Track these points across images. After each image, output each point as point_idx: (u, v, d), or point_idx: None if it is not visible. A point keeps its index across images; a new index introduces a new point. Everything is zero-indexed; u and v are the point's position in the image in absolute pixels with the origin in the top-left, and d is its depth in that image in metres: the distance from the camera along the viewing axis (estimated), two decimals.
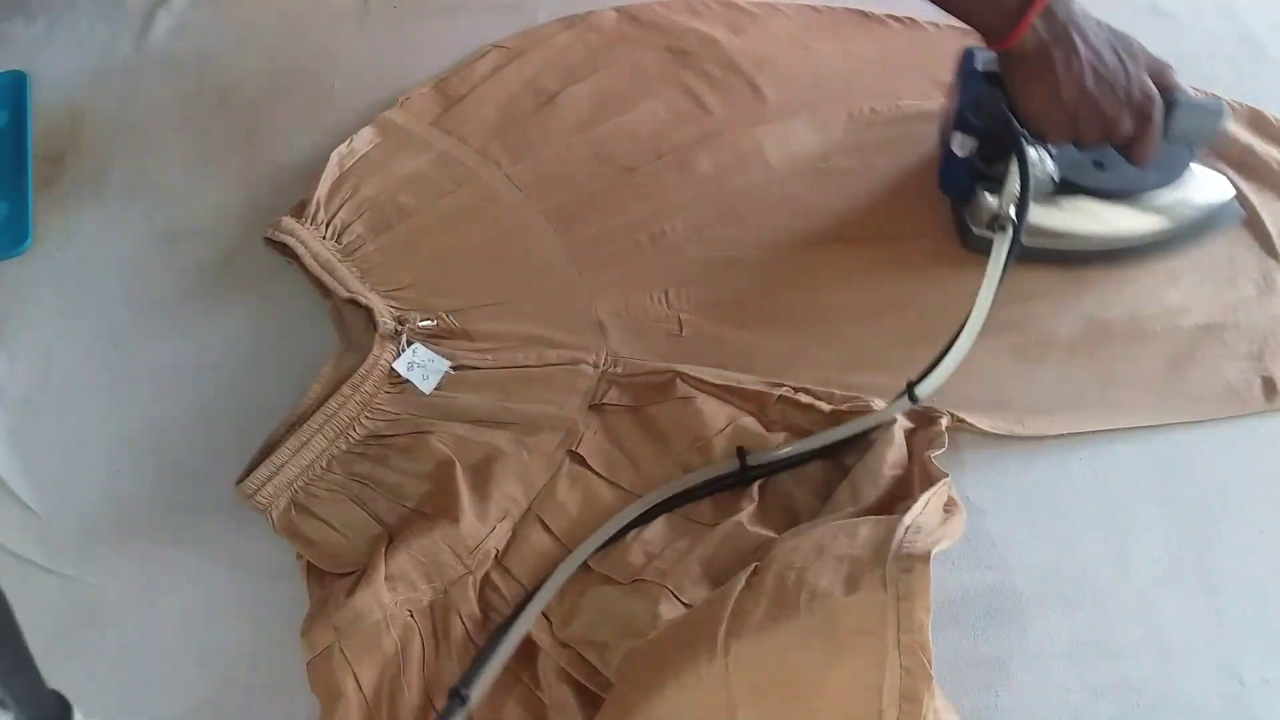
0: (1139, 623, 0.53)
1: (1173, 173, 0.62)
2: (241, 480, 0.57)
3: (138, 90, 0.80)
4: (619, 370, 0.60)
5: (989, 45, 0.56)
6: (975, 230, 0.63)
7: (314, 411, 0.59)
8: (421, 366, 0.61)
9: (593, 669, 0.51)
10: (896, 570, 0.41)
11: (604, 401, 0.59)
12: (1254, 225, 0.65)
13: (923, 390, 0.53)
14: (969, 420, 0.57)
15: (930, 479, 0.52)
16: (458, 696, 0.49)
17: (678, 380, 0.59)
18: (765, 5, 0.79)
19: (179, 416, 0.64)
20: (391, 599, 0.52)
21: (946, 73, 0.73)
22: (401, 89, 0.76)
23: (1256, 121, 0.70)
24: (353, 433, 0.59)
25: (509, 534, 0.55)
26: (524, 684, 0.51)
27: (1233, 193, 0.63)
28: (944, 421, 0.57)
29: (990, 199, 0.61)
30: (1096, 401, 0.59)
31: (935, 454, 0.54)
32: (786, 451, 0.56)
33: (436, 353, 0.62)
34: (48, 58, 0.83)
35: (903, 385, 0.55)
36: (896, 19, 0.77)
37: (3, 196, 0.74)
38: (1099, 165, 0.61)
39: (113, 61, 0.82)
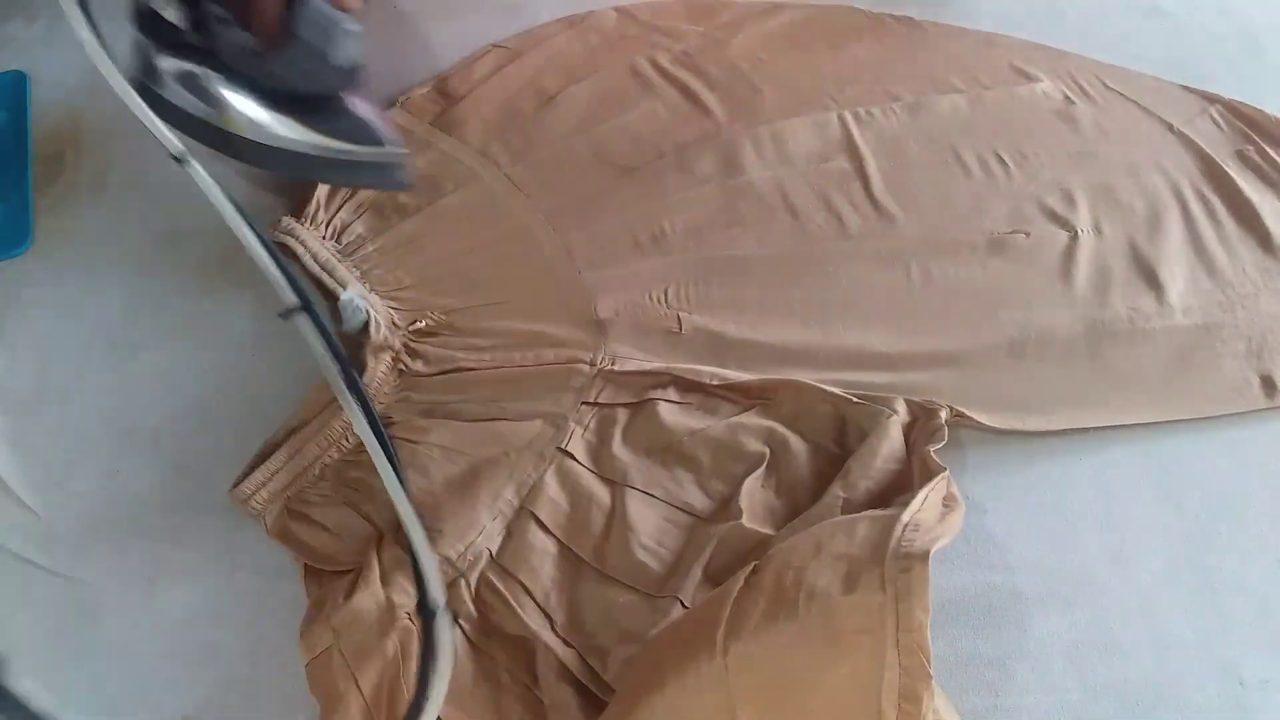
0: (1139, 622, 0.53)
1: (318, 85, 0.59)
2: (236, 486, 0.58)
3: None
4: (616, 369, 0.60)
5: None
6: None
7: (312, 418, 0.59)
8: (353, 303, 0.62)
9: (593, 670, 0.51)
10: (895, 569, 0.41)
11: (598, 400, 0.60)
12: (1252, 224, 0.65)
13: None
14: (969, 414, 0.57)
15: (929, 473, 0.52)
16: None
17: (676, 380, 0.59)
18: (766, 4, 0.79)
19: (179, 416, 0.64)
20: (389, 600, 0.52)
21: (947, 72, 0.73)
22: (401, 89, 0.76)
23: (1256, 120, 0.69)
24: (345, 441, 0.59)
25: (503, 532, 0.56)
26: (524, 684, 0.51)
27: (398, 156, 0.61)
28: (944, 415, 0.57)
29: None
30: (1096, 401, 0.59)
31: (935, 448, 0.54)
32: None
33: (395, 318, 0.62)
34: (48, 58, 0.83)
35: (902, 384, 0.54)
36: (896, 18, 0.77)
37: (3, 197, 0.74)
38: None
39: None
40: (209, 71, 0.59)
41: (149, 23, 0.58)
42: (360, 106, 0.61)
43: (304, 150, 0.60)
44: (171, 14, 0.57)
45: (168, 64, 0.58)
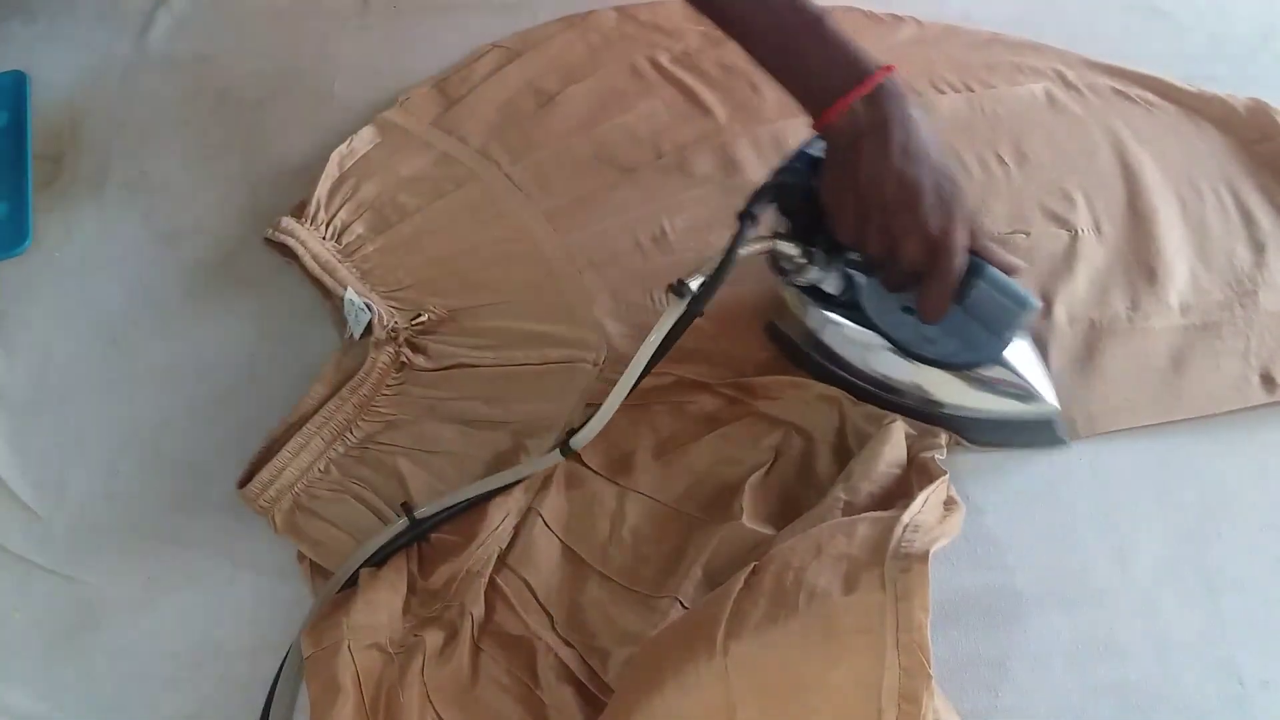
0: (1139, 622, 0.53)
1: (977, 355, 0.55)
2: (244, 484, 0.58)
3: (137, 90, 0.80)
4: (618, 369, 0.60)
5: (811, 119, 0.52)
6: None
7: (314, 413, 0.59)
8: (354, 304, 0.62)
9: (593, 670, 0.51)
10: (895, 570, 0.41)
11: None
12: (1249, 223, 0.65)
13: (577, 442, 0.52)
14: (965, 441, 0.57)
15: (929, 476, 0.52)
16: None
17: (676, 380, 0.59)
18: None
19: (179, 416, 0.64)
20: (405, 607, 0.53)
21: (947, 71, 0.73)
22: (401, 89, 0.76)
23: (1255, 112, 0.69)
24: (350, 435, 0.59)
25: (511, 532, 0.56)
26: (525, 683, 0.51)
27: (1053, 413, 0.57)
28: (944, 437, 0.56)
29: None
30: (1096, 401, 0.59)
31: (936, 456, 0.54)
32: (451, 500, 0.55)
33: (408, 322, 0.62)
34: (48, 58, 0.83)
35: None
36: (898, 18, 0.77)
37: (3, 196, 0.75)
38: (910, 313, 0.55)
39: (112, 61, 0.82)
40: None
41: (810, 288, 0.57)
42: (1015, 369, 0.56)
43: (939, 411, 0.57)
44: (831, 285, 0.56)
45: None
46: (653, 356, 0.51)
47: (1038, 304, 0.53)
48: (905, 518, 0.45)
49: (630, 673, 0.49)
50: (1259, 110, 0.69)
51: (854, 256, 0.55)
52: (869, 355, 0.57)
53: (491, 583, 0.54)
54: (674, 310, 0.50)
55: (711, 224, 0.67)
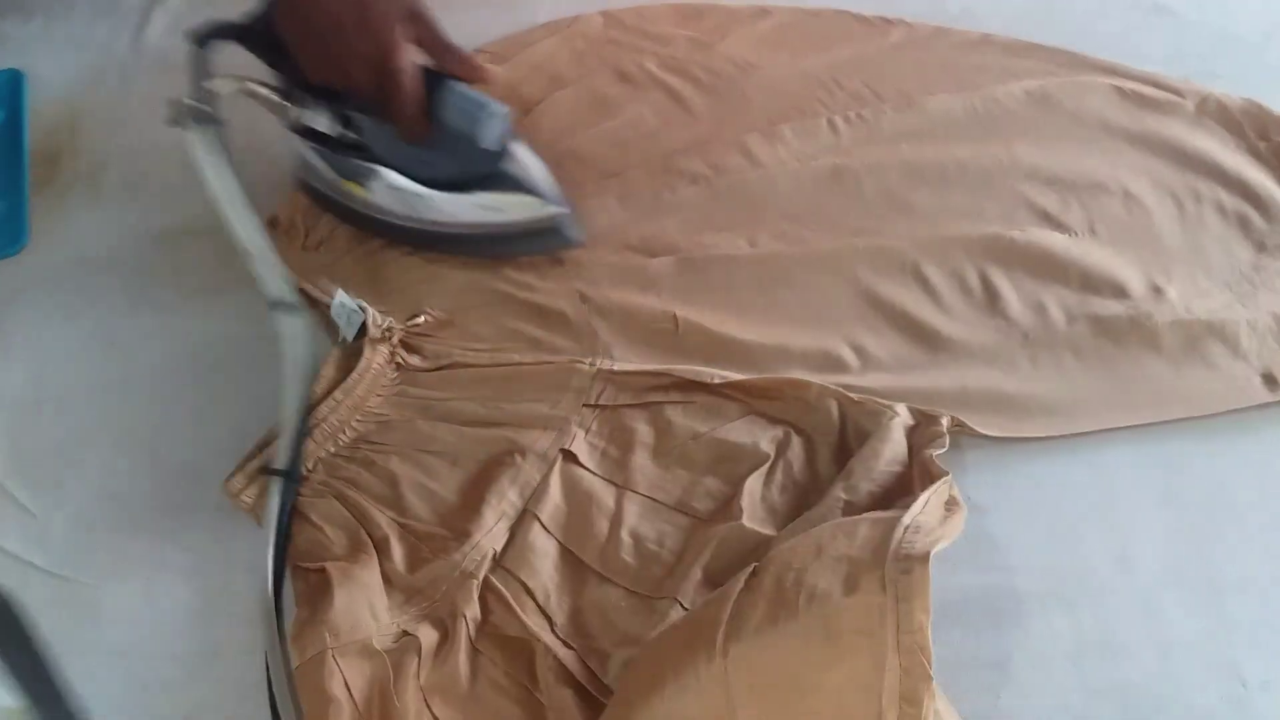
0: (1140, 623, 0.53)
1: (473, 168, 0.59)
2: (230, 479, 0.57)
3: (135, 89, 0.80)
4: (614, 369, 0.60)
5: None
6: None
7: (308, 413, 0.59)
8: (345, 307, 0.62)
9: (593, 672, 0.51)
10: (895, 571, 0.41)
11: (599, 401, 0.59)
12: (1248, 223, 0.65)
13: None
14: (968, 424, 0.57)
15: (931, 477, 0.52)
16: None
17: (675, 380, 0.59)
18: (754, 8, 0.78)
19: (177, 416, 0.64)
20: (385, 604, 0.52)
21: (938, 73, 0.73)
22: None
23: (1251, 112, 0.69)
24: (343, 436, 0.59)
25: (506, 534, 0.55)
26: (523, 685, 0.51)
27: (561, 215, 0.62)
28: (945, 421, 0.57)
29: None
30: (1096, 401, 0.59)
31: (936, 452, 0.54)
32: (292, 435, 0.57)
33: (417, 335, 0.62)
34: (45, 56, 0.82)
35: (899, 387, 0.54)
36: (887, 21, 0.76)
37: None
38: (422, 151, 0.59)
39: (110, 60, 0.82)
40: (371, 167, 0.60)
41: (305, 132, 0.60)
42: (520, 173, 0.61)
43: (463, 231, 0.62)
44: (323, 124, 0.59)
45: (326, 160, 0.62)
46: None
47: (503, 108, 0.57)
48: (906, 519, 0.45)
49: (630, 674, 0.49)
50: (1257, 110, 0.69)
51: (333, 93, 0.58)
52: (384, 192, 0.61)
53: (487, 584, 0.54)
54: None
55: (701, 227, 0.66)
